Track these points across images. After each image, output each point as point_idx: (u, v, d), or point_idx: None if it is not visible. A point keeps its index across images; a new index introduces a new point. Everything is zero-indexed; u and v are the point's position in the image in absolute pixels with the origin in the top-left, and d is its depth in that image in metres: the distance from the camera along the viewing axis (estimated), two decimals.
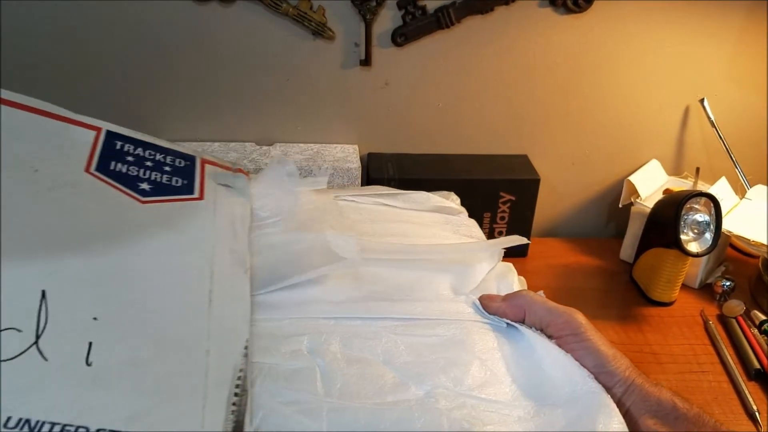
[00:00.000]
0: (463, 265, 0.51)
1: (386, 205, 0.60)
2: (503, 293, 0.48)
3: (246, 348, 0.36)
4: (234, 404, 0.32)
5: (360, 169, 0.82)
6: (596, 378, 0.40)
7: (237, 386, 0.33)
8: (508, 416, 0.37)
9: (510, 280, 0.52)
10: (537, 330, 0.44)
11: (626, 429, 0.36)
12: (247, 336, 0.37)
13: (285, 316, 0.42)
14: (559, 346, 0.42)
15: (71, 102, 0.82)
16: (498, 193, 0.86)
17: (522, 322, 0.45)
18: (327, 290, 0.45)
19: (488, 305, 0.46)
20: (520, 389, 0.40)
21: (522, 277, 0.55)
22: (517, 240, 0.54)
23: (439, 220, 0.60)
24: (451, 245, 0.55)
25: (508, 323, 0.45)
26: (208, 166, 0.49)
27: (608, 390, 0.39)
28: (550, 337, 0.43)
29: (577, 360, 0.41)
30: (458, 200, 0.65)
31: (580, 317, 0.42)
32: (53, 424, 0.28)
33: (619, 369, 0.40)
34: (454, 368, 0.40)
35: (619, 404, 0.38)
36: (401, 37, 0.82)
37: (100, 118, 0.86)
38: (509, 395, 0.39)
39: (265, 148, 0.86)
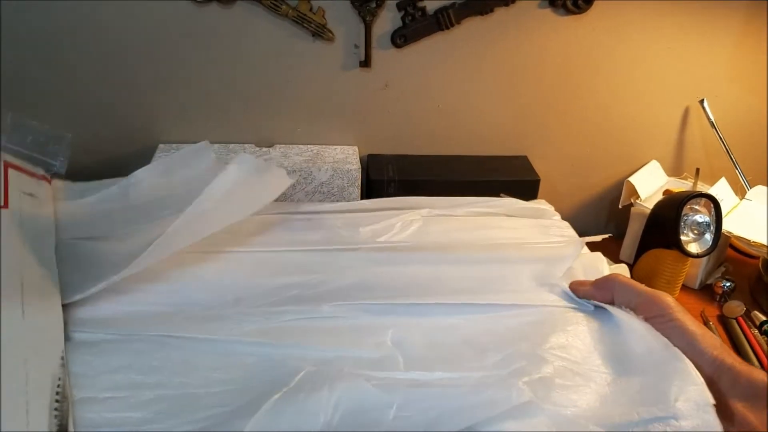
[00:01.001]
0: (546, 259, 0.53)
1: (475, 214, 0.64)
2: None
3: (63, 358, 0.37)
4: (56, 410, 0.34)
5: (360, 170, 0.82)
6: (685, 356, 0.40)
7: (57, 393, 0.35)
8: (585, 377, 0.39)
9: (600, 269, 0.54)
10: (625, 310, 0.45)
11: (706, 392, 0.35)
12: (62, 347, 0.38)
13: (370, 311, 0.45)
14: None
15: (70, 103, 0.82)
16: (498, 194, 0.86)
17: (611, 304, 0.45)
18: (408, 288, 0.48)
19: (577, 289, 0.48)
20: (600, 359, 0.41)
21: (624, 265, 0.57)
22: (599, 237, 0.58)
23: (527, 223, 0.63)
24: (532, 244, 0.58)
25: (596, 306, 0.46)
26: (12, 171, 0.49)
27: (698, 370, 0.38)
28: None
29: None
30: (551, 207, 0.69)
31: (668, 299, 0.42)
32: None
33: (708, 348, 0.39)
34: (535, 336, 0.42)
35: (710, 383, 0.37)
36: (401, 38, 0.82)
37: (99, 118, 0.85)
38: (588, 363, 0.41)
39: (264, 149, 0.86)
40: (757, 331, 0.76)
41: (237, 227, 0.55)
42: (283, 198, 0.80)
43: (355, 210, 0.63)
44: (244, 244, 0.54)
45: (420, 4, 0.80)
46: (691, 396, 0.35)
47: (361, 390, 0.36)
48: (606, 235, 0.58)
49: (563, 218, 0.65)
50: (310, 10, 0.79)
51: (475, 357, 0.40)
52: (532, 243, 0.58)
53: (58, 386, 0.35)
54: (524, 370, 0.39)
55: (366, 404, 0.35)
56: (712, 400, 0.35)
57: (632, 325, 0.42)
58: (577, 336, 0.43)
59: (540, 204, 0.68)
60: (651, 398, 0.36)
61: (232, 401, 0.36)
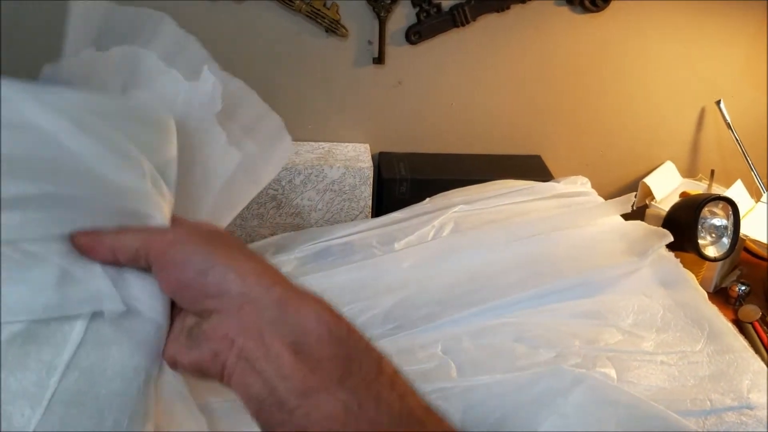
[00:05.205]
0: (580, 233, 0.57)
1: (509, 203, 0.69)
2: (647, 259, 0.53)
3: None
4: None
5: (372, 168, 0.81)
6: None
7: None
8: (649, 362, 0.40)
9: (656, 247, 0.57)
10: None
11: None
12: None
13: (415, 333, 0.46)
14: None
15: None
16: None
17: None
18: (449, 301, 0.49)
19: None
20: (667, 338, 0.42)
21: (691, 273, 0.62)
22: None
23: (555, 204, 0.68)
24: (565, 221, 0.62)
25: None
26: None
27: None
28: None
29: None
30: (588, 182, 0.75)
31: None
32: None
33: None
34: (586, 333, 0.43)
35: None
36: (415, 35, 0.80)
37: None
38: (651, 346, 0.42)
39: None
40: None
41: (279, 267, 0.56)
42: (295, 197, 0.79)
43: (389, 223, 0.64)
44: None
45: (435, 1, 0.79)
46: (765, 388, 0.36)
47: None
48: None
49: None
50: (324, 5, 0.77)
51: (528, 353, 0.41)
52: (565, 221, 0.60)
53: None
54: (578, 367, 0.38)
55: None
56: None
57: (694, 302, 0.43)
58: (634, 327, 0.44)
59: (578, 184, 0.70)
60: (721, 386, 0.36)
61: None
